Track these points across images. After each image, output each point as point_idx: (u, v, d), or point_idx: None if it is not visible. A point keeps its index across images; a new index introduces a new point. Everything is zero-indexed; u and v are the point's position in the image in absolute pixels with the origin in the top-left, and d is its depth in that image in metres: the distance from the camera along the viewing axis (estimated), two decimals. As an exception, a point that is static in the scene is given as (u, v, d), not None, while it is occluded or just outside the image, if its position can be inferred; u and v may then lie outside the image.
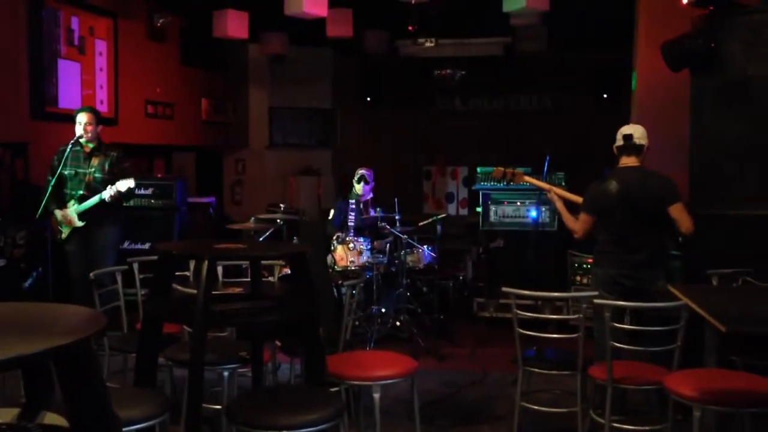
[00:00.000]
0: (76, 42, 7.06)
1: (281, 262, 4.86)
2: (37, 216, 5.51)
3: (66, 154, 5.60)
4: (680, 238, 5.03)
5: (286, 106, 10.73)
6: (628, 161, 4.35)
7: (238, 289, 4.37)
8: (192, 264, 4.79)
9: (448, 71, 10.06)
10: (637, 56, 6.24)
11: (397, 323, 6.39)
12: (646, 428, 3.82)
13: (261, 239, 6.58)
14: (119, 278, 4.41)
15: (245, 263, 5.05)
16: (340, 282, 5.64)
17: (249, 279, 3.85)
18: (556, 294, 4.67)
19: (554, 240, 6.83)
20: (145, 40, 8.26)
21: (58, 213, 5.63)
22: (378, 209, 6.65)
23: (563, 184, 6.82)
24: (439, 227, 6.84)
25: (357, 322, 5.92)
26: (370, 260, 6.38)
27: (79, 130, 5.62)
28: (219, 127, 10.05)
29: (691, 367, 3.51)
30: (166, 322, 3.62)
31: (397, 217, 6.50)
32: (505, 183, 5.82)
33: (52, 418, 1.87)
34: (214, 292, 3.09)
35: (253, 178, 10.68)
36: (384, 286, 6.56)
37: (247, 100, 10.63)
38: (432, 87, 10.48)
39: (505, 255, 7.08)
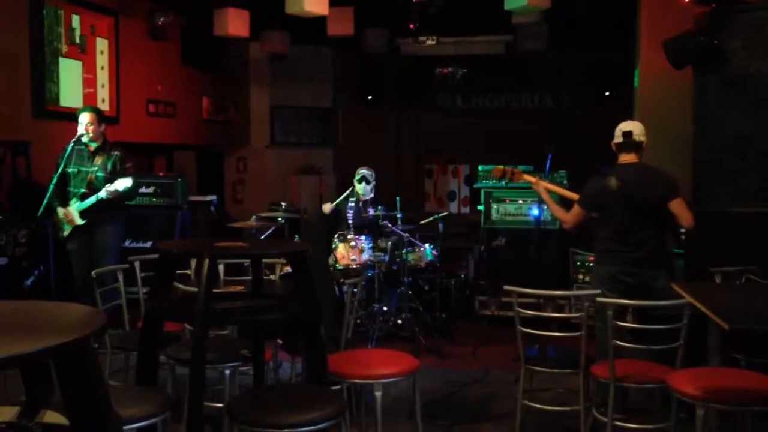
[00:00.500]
0: (77, 40, 7.05)
1: (283, 261, 4.85)
2: (39, 214, 5.52)
3: (69, 152, 5.62)
4: (683, 236, 5.03)
5: (287, 104, 10.72)
6: (627, 158, 4.34)
7: (239, 288, 4.36)
8: (193, 262, 4.78)
9: (450, 69, 10.05)
10: (639, 54, 6.22)
11: (399, 322, 6.39)
12: (649, 427, 3.80)
13: (262, 238, 6.58)
14: (121, 276, 4.40)
15: (246, 261, 5.05)
16: (341, 280, 5.64)
17: (250, 277, 3.84)
18: (558, 292, 4.67)
19: (556, 238, 6.83)
20: (146, 39, 8.25)
21: (60, 211, 5.65)
22: (379, 208, 6.64)
23: (565, 182, 6.82)
24: (441, 226, 6.83)
25: (358, 321, 5.92)
26: (371, 258, 6.38)
27: (80, 129, 5.63)
28: (220, 125, 10.04)
29: (694, 366, 3.50)
30: (167, 321, 3.61)
31: (398, 216, 6.49)
32: (504, 182, 5.82)
33: (52, 417, 1.86)
34: (215, 291, 3.08)
35: (254, 176, 10.67)
36: (386, 284, 6.56)
37: (248, 98, 10.62)
38: (433, 85, 10.47)
39: (507, 253, 7.08)
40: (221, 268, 4.78)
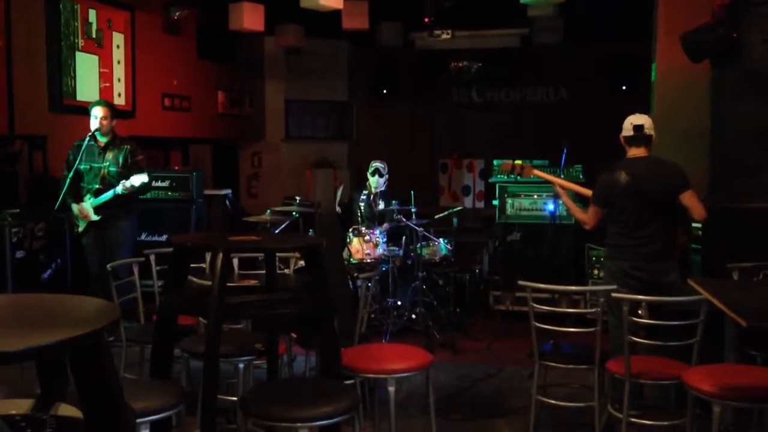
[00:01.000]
0: (93, 35, 7.09)
1: (297, 255, 4.85)
2: (56, 208, 5.56)
3: (82, 149, 5.64)
4: (699, 231, 4.98)
5: (302, 98, 10.73)
6: (637, 152, 4.30)
7: (253, 282, 4.37)
8: (208, 256, 4.79)
9: (465, 63, 10.02)
10: (657, 47, 6.16)
11: (413, 316, 6.38)
12: (664, 423, 3.78)
13: (277, 232, 6.58)
14: (136, 270, 4.43)
15: (261, 255, 5.06)
16: (355, 275, 5.64)
17: (264, 271, 3.85)
18: (573, 287, 4.64)
19: (571, 233, 6.79)
20: (162, 33, 8.28)
21: (75, 207, 5.70)
22: (393, 202, 6.63)
23: (581, 177, 6.77)
24: (455, 220, 6.81)
25: (372, 315, 5.91)
26: (386, 253, 6.37)
27: (94, 123, 5.66)
28: (235, 119, 10.07)
29: (709, 362, 3.47)
30: (181, 314, 3.62)
31: (413, 210, 6.49)
32: (514, 177, 5.78)
33: (66, 410, 1.87)
34: (229, 284, 3.09)
35: (269, 170, 10.69)
36: (400, 278, 6.55)
37: (263, 92, 10.64)
38: (448, 79, 10.44)
39: (522, 248, 7.05)
40: (235, 261, 4.79)
